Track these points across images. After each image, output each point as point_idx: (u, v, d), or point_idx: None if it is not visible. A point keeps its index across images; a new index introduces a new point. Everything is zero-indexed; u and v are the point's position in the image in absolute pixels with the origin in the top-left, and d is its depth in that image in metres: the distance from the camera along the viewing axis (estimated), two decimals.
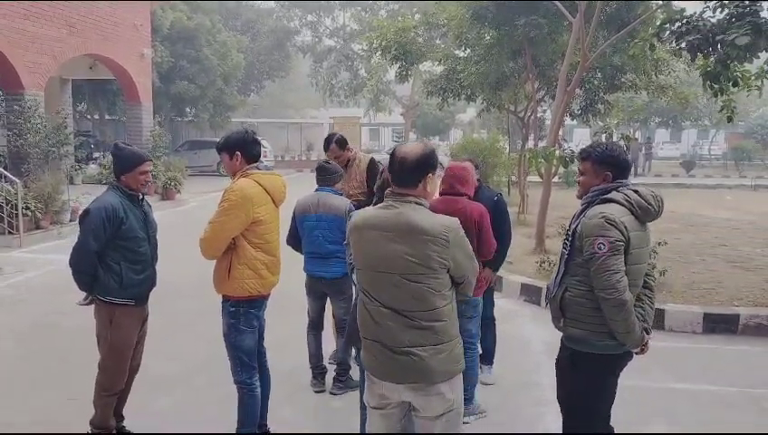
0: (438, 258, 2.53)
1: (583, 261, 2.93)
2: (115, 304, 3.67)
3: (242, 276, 3.51)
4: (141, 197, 3.82)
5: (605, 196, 2.97)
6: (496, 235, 4.21)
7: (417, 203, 2.59)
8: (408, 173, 2.59)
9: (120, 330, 3.71)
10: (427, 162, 2.61)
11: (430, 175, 2.63)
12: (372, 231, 2.60)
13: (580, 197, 3.12)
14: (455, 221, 2.61)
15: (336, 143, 5.34)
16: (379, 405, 2.70)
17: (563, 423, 3.19)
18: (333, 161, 5.34)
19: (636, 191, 2.96)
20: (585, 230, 2.92)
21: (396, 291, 2.57)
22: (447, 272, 2.58)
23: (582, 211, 3.03)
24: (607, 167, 3.01)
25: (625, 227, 2.85)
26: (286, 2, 37.19)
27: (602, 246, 2.83)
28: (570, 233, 3.05)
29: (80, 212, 3.76)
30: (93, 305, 3.75)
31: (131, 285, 3.69)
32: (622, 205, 2.92)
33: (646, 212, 2.95)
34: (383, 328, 2.60)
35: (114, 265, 3.64)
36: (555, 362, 3.20)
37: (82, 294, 3.79)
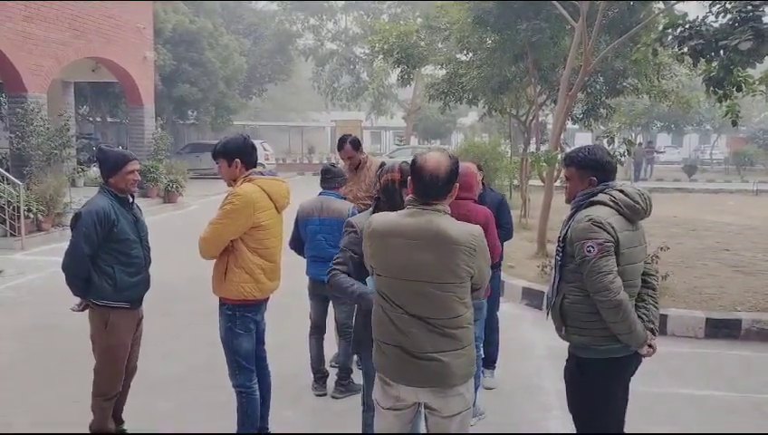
0: (465, 267, 2.54)
1: (576, 266, 2.92)
2: (110, 308, 3.66)
3: (238, 280, 3.51)
4: (131, 200, 3.82)
5: (592, 199, 2.97)
6: (499, 226, 4.38)
7: (442, 211, 2.59)
8: (441, 187, 2.58)
9: (116, 333, 3.70)
10: (456, 173, 2.62)
11: (456, 184, 2.64)
12: (397, 238, 2.58)
13: (568, 202, 3.12)
14: (478, 229, 2.61)
15: (351, 144, 5.33)
16: (394, 407, 2.70)
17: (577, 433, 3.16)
18: (343, 163, 5.34)
19: (622, 191, 2.95)
20: (574, 235, 2.91)
21: (422, 299, 2.56)
22: (471, 280, 2.59)
23: (571, 216, 3.03)
24: (591, 171, 2.99)
25: (613, 228, 2.84)
26: (288, 2, 37.12)
27: (592, 249, 2.82)
28: (561, 239, 3.05)
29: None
30: (87, 310, 3.74)
31: (126, 288, 3.68)
32: (609, 206, 2.91)
33: (634, 211, 2.94)
34: (406, 334, 2.59)
35: (107, 269, 3.63)
36: (563, 371, 3.18)
37: None
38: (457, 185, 2.66)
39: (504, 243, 4.70)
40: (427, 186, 2.58)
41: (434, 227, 2.53)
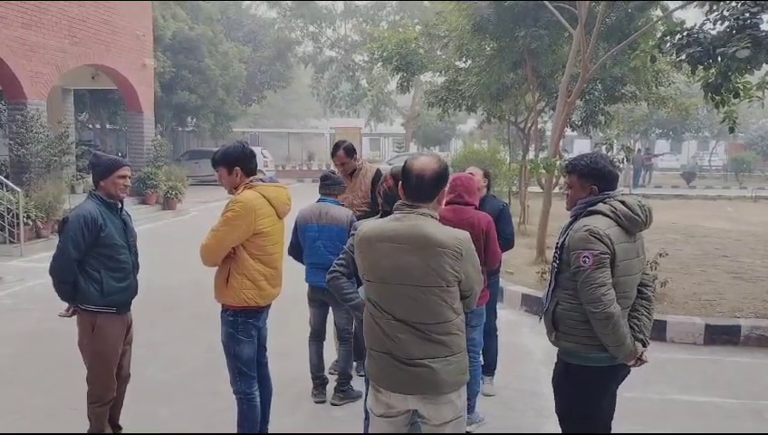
0: (451, 271, 2.55)
1: (572, 274, 2.93)
2: (97, 312, 3.67)
3: (240, 286, 3.51)
4: (120, 205, 3.83)
5: (591, 208, 2.97)
6: (501, 237, 4.28)
7: (429, 215, 2.60)
8: (427, 189, 2.61)
9: (103, 337, 3.70)
10: (444, 177, 2.65)
11: (443, 189, 2.67)
12: (385, 243, 2.59)
13: (568, 209, 3.12)
14: (466, 234, 2.63)
15: (344, 150, 5.31)
16: (386, 414, 2.70)
17: None
18: (339, 169, 5.34)
19: (623, 202, 2.95)
20: (571, 244, 2.92)
21: (410, 303, 2.57)
22: (458, 285, 2.59)
23: (570, 224, 3.04)
24: (592, 180, 2.99)
25: (610, 240, 2.84)
26: (288, 5, 37.11)
27: (587, 260, 2.83)
28: (558, 247, 3.06)
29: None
30: (76, 316, 3.75)
31: (112, 293, 3.68)
32: (608, 217, 2.91)
33: (633, 223, 2.93)
34: (394, 340, 2.59)
35: (94, 274, 3.64)
36: (552, 375, 3.20)
37: None
38: (445, 190, 2.69)
39: None
40: (413, 187, 2.61)
41: (419, 230, 2.55)
